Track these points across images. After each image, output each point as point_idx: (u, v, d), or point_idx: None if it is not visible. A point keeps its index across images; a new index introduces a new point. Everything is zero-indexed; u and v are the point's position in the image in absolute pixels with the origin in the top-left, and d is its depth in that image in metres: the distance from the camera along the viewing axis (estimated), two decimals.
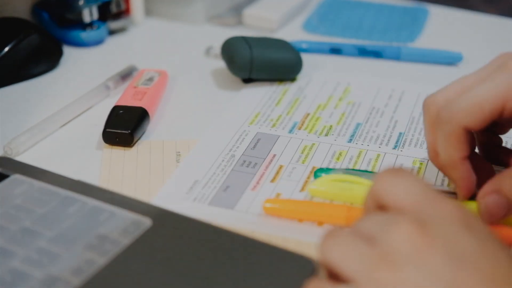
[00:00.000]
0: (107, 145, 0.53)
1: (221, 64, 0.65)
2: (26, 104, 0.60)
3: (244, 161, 0.51)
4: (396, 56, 0.67)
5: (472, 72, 0.43)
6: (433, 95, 0.43)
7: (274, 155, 0.51)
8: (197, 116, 0.58)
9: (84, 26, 0.69)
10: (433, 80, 0.63)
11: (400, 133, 0.54)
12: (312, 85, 0.62)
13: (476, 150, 0.46)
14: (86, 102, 0.58)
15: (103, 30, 0.71)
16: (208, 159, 0.51)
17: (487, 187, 0.41)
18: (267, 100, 0.60)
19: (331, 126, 0.55)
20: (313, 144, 0.53)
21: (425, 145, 0.53)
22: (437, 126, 0.42)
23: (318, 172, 0.49)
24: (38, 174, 0.47)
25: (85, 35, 0.70)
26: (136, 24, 0.75)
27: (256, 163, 0.50)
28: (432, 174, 0.49)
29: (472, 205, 0.43)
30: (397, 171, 0.34)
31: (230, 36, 0.63)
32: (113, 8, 0.71)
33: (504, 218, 0.41)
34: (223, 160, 0.51)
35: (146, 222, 0.42)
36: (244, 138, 0.54)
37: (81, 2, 0.68)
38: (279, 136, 0.54)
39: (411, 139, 0.54)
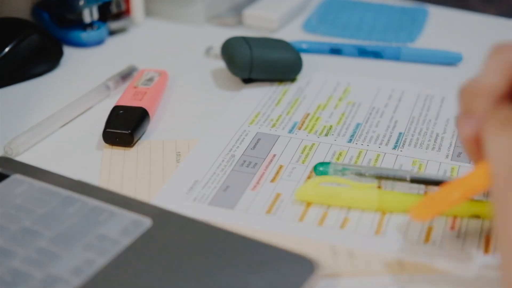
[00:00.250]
0: (107, 145, 0.53)
1: (221, 64, 0.65)
2: (26, 104, 0.60)
3: (244, 161, 0.51)
4: (396, 57, 0.67)
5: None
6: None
7: (274, 155, 0.51)
8: (197, 116, 0.58)
9: (84, 27, 0.69)
10: (433, 80, 0.64)
11: (400, 133, 0.54)
12: (312, 85, 0.62)
13: None
14: (86, 102, 0.58)
15: (103, 30, 0.71)
16: (208, 159, 0.51)
17: None
18: (267, 100, 0.60)
19: (331, 126, 0.56)
20: (313, 144, 0.53)
21: (424, 145, 0.53)
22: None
23: (318, 166, 0.49)
24: (38, 174, 0.47)
25: (85, 35, 0.70)
26: (136, 24, 0.75)
27: (256, 163, 0.50)
28: (433, 172, 0.49)
29: (482, 206, 0.43)
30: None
31: (230, 36, 0.63)
32: (113, 9, 0.71)
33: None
34: (223, 160, 0.51)
35: (146, 222, 0.42)
36: (244, 138, 0.54)
37: (81, 3, 0.68)
38: (279, 136, 0.54)
39: (411, 139, 0.54)
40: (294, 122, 0.56)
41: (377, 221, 0.44)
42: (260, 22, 0.74)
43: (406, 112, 0.58)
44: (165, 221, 0.42)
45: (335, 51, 0.68)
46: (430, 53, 0.67)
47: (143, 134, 0.54)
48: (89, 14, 0.69)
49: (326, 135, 0.54)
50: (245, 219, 0.45)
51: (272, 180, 0.49)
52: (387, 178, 0.47)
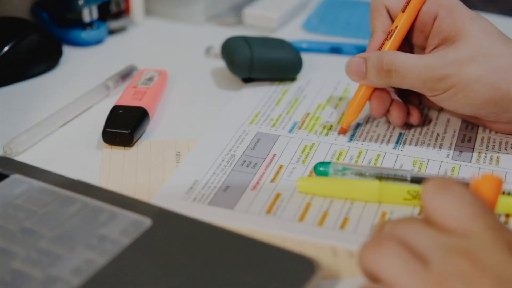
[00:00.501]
0: (107, 145, 0.53)
1: (221, 64, 0.65)
2: (26, 103, 0.59)
3: (244, 161, 0.51)
4: None
5: None
6: None
7: (274, 155, 0.51)
8: (197, 116, 0.58)
9: (84, 26, 0.69)
10: None
11: (400, 133, 0.54)
12: (312, 84, 0.62)
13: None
14: (86, 102, 0.58)
15: (103, 29, 0.71)
16: (208, 159, 0.51)
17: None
18: (267, 99, 0.59)
19: (331, 125, 0.55)
20: (313, 144, 0.53)
21: (425, 145, 0.53)
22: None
23: (318, 166, 0.49)
24: (38, 174, 0.47)
25: (85, 34, 0.70)
26: (136, 23, 0.75)
27: (256, 163, 0.50)
28: (434, 172, 0.49)
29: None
30: (445, 185, 0.34)
31: (230, 36, 0.63)
32: (113, 8, 0.71)
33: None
34: (223, 160, 0.51)
35: (146, 222, 0.42)
36: (244, 138, 0.54)
37: (80, 2, 0.68)
38: (279, 136, 0.54)
39: (411, 138, 0.54)
40: (294, 122, 0.56)
41: (377, 221, 0.44)
42: (260, 22, 0.74)
43: None
44: (165, 221, 0.42)
45: (335, 50, 0.68)
46: None
47: (143, 134, 0.54)
48: (89, 14, 0.69)
49: (326, 134, 0.54)
50: (245, 219, 0.45)
51: (272, 180, 0.49)
52: (387, 177, 0.47)
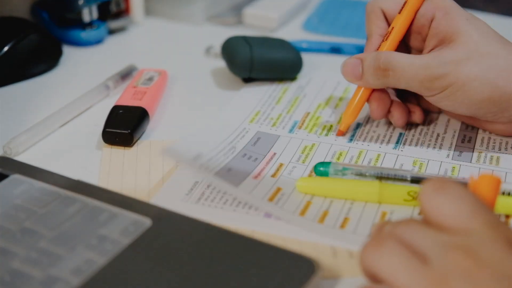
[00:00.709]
0: (107, 145, 0.53)
1: (221, 63, 0.65)
2: (26, 103, 0.59)
3: (245, 154, 0.51)
4: None
5: None
6: None
7: (274, 154, 0.51)
8: (197, 116, 0.58)
9: (84, 26, 0.69)
10: None
11: (400, 133, 0.54)
12: (312, 84, 0.62)
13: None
14: (86, 102, 0.58)
15: (102, 29, 0.71)
16: (211, 141, 0.51)
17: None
18: (267, 98, 0.59)
19: (331, 125, 0.55)
20: (313, 144, 0.53)
21: (425, 145, 0.53)
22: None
23: (318, 166, 0.49)
24: (38, 174, 0.47)
25: (84, 34, 0.69)
26: (136, 23, 0.75)
27: (256, 158, 0.50)
28: (434, 172, 0.49)
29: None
30: (442, 185, 0.34)
31: (230, 36, 0.63)
32: (113, 8, 0.71)
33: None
34: (224, 148, 0.51)
35: (146, 222, 0.42)
36: (244, 135, 0.53)
37: (80, 2, 0.68)
38: (279, 136, 0.54)
39: (411, 139, 0.53)
40: (294, 121, 0.56)
41: (377, 221, 0.44)
42: (260, 21, 0.74)
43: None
44: (165, 221, 0.42)
45: (335, 50, 0.68)
46: None
47: (142, 134, 0.54)
48: (89, 13, 0.69)
49: (326, 135, 0.54)
50: (245, 220, 0.45)
51: (273, 175, 0.49)
52: (387, 178, 0.47)
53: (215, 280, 0.38)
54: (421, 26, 0.52)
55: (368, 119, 0.56)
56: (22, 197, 0.44)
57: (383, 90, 0.53)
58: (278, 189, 0.47)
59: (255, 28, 0.74)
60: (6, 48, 0.61)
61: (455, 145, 0.52)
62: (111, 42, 0.72)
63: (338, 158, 0.51)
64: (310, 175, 0.49)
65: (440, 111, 0.56)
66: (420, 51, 0.53)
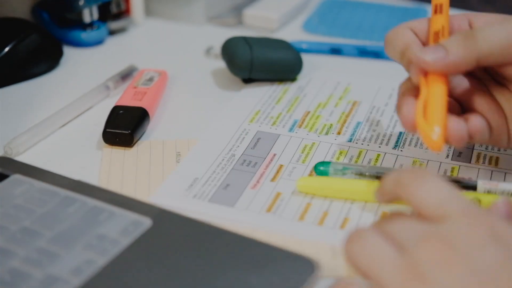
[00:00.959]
0: (107, 145, 0.53)
1: (221, 64, 0.65)
2: (26, 104, 0.60)
3: (244, 160, 0.51)
4: None
5: None
6: None
7: (274, 155, 0.51)
8: (197, 116, 0.58)
9: (84, 26, 0.69)
10: None
11: (400, 133, 0.54)
12: (312, 85, 0.62)
13: None
14: (86, 102, 0.58)
15: (103, 30, 0.71)
16: (208, 158, 0.51)
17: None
18: (267, 99, 0.60)
19: (331, 124, 0.55)
20: (313, 143, 0.53)
21: (425, 145, 0.53)
22: None
23: (318, 166, 0.49)
24: (38, 174, 0.47)
25: (85, 35, 0.70)
26: (136, 24, 0.75)
27: (256, 163, 0.50)
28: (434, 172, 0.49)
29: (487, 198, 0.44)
30: (422, 173, 0.35)
31: (230, 36, 0.63)
32: (113, 8, 0.71)
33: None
34: (223, 159, 0.51)
35: (146, 222, 0.42)
36: (244, 137, 0.54)
37: (81, 2, 0.68)
38: (279, 135, 0.54)
39: (411, 138, 0.54)
40: (294, 120, 0.56)
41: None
42: (260, 22, 0.74)
43: None
44: (165, 221, 0.42)
45: (335, 51, 0.68)
46: None
47: (143, 134, 0.54)
48: (89, 14, 0.69)
49: (326, 133, 0.54)
50: (245, 217, 0.45)
51: (272, 179, 0.49)
52: None
53: (215, 280, 0.38)
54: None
55: (368, 118, 0.56)
56: (22, 197, 0.44)
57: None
58: (278, 195, 0.47)
59: (255, 28, 0.74)
60: (6, 49, 0.61)
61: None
62: (112, 42, 0.72)
63: (338, 158, 0.51)
64: (310, 175, 0.49)
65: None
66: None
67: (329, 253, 0.42)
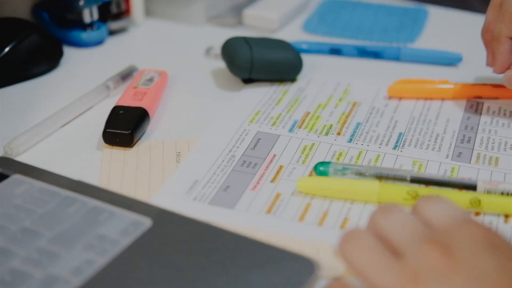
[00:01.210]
0: (107, 145, 0.53)
1: (221, 64, 0.65)
2: (26, 104, 0.60)
3: (244, 161, 0.51)
4: (396, 57, 0.67)
5: None
6: None
7: (274, 155, 0.51)
8: (197, 116, 0.58)
9: (84, 27, 0.69)
10: None
11: (400, 133, 0.54)
12: (312, 85, 0.62)
13: None
14: (86, 102, 0.58)
15: (103, 30, 0.71)
16: (208, 159, 0.51)
17: None
18: (267, 99, 0.60)
19: (331, 125, 0.55)
20: (313, 144, 0.53)
21: (424, 145, 0.53)
22: (502, 2, 0.53)
23: (318, 166, 0.49)
24: (38, 174, 0.47)
25: (85, 35, 0.70)
26: (136, 24, 0.75)
27: (256, 163, 0.50)
28: (433, 173, 0.49)
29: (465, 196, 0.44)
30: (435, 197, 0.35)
31: (230, 36, 0.63)
32: (113, 9, 0.71)
33: None
34: (223, 160, 0.51)
35: (146, 222, 0.42)
36: (244, 138, 0.54)
37: (81, 3, 0.68)
38: (279, 136, 0.54)
39: (411, 139, 0.54)
40: (294, 121, 0.56)
41: None
42: (260, 22, 0.74)
43: (406, 112, 0.58)
44: (165, 221, 0.42)
45: (335, 51, 0.68)
46: (430, 54, 0.67)
47: (143, 134, 0.54)
48: (89, 14, 0.69)
49: (326, 134, 0.54)
50: (245, 219, 0.45)
51: (272, 180, 0.49)
52: (387, 177, 0.47)
53: (215, 280, 0.38)
54: None
55: (368, 119, 0.56)
56: (22, 197, 0.44)
57: None
58: (278, 195, 0.47)
59: (255, 29, 0.74)
60: (7, 49, 0.62)
61: (455, 146, 0.53)
62: (112, 42, 0.72)
63: (338, 158, 0.51)
64: (310, 175, 0.49)
65: None
66: None
67: (329, 253, 0.42)
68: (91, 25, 0.70)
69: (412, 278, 0.31)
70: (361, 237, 0.34)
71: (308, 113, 0.58)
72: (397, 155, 0.51)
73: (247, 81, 0.62)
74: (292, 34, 0.73)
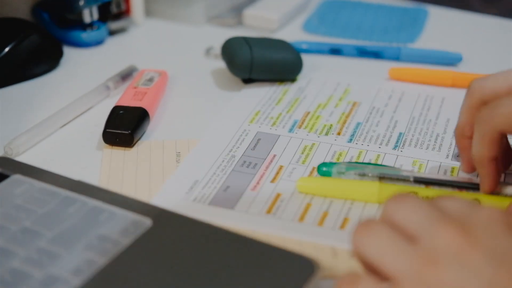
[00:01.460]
0: (107, 145, 0.53)
1: (221, 64, 0.65)
2: (26, 104, 0.60)
3: (244, 162, 0.51)
4: (396, 57, 0.67)
5: None
6: (483, 81, 0.43)
7: (274, 156, 0.51)
8: (197, 116, 0.58)
9: (84, 27, 0.69)
10: None
11: (400, 133, 0.54)
12: (312, 85, 0.62)
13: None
14: (86, 102, 0.58)
15: (103, 30, 0.71)
16: (208, 159, 0.51)
17: None
18: (267, 99, 0.60)
19: (331, 125, 0.55)
20: (313, 144, 0.53)
21: (424, 145, 0.53)
22: (476, 121, 0.43)
23: (321, 167, 0.49)
24: (38, 174, 0.47)
25: (85, 35, 0.70)
26: (136, 24, 0.75)
27: (256, 164, 0.50)
28: (433, 173, 0.49)
29: (493, 200, 0.45)
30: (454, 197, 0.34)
31: (230, 36, 0.63)
32: (113, 9, 0.71)
33: None
34: (223, 161, 0.51)
35: (146, 222, 0.42)
36: (244, 138, 0.54)
37: (81, 3, 0.68)
38: (279, 136, 0.54)
39: (411, 139, 0.54)
40: (294, 121, 0.56)
41: None
42: (260, 22, 0.74)
43: (406, 112, 0.58)
44: (165, 221, 0.42)
45: (335, 51, 0.68)
46: (430, 53, 0.67)
47: (143, 134, 0.54)
48: (89, 14, 0.69)
49: (326, 134, 0.54)
50: (245, 219, 0.45)
51: (272, 181, 0.49)
52: (390, 178, 0.47)
53: (215, 280, 0.38)
54: None
55: (368, 119, 0.56)
56: (22, 197, 0.44)
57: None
58: (278, 195, 0.47)
59: (255, 29, 0.74)
60: (6, 49, 0.62)
61: (455, 146, 0.53)
62: (112, 43, 0.72)
63: (338, 159, 0.51)
64: (310, 175, 0.49)
65: None
66: None
67: (329, 253, 0.42)
68: (91, 25, 0.70)
69: (429, 260, 0.31)
70: (374, 226, 0.33)
71: (308, 113, 0.58)
72: (397, 155, 0.51)
73: (247, 81, 0.62)
74: (292, 34, 0.73)
